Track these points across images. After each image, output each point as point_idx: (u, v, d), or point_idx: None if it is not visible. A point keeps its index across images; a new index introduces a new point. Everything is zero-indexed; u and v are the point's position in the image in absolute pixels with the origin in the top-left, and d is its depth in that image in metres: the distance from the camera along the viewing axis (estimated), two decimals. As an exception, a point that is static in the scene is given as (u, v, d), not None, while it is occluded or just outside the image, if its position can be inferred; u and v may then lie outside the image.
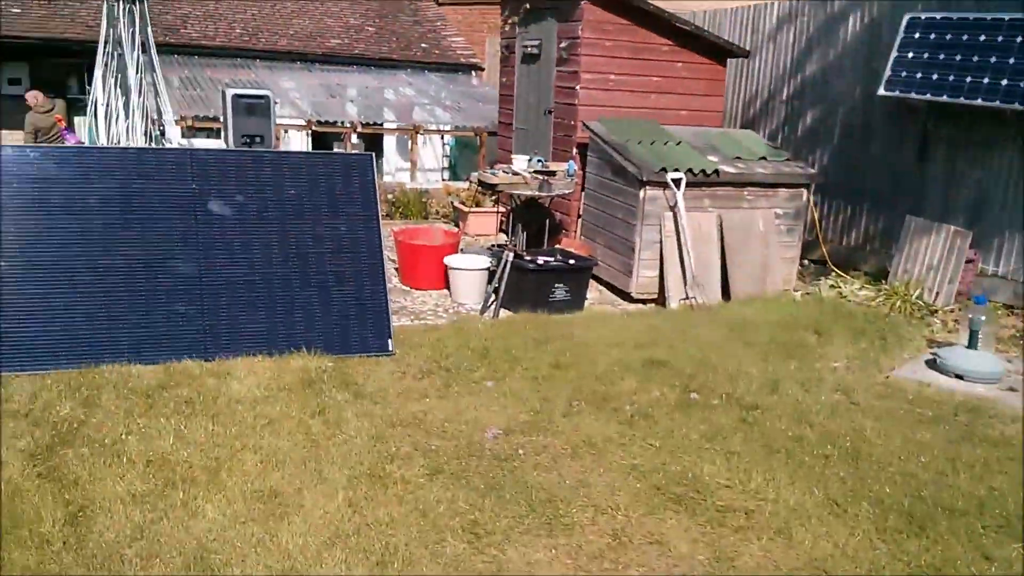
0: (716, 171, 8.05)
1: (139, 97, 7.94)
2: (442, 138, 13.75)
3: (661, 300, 8.02)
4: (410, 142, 12.48)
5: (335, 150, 12.49)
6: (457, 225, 10.80)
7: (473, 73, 15.66)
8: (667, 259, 7.92)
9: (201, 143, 11.89)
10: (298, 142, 12.99)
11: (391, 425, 4.72)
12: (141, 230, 5.41)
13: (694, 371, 5.84)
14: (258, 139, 7.23)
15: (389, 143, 15.23)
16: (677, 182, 7.81)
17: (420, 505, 3.90)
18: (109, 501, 3.63)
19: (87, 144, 9.24)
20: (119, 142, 8.14)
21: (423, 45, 15.80)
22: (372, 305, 5.88)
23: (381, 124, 12.98)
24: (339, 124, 12.20)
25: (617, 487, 4.27)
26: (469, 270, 7.63)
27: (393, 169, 14.70)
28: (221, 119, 11.23)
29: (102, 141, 8.25)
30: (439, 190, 11.73)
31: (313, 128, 11.75)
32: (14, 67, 12.82)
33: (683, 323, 7.09)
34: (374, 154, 6.05)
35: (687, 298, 7.90)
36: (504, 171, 8.13)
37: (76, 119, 11.92)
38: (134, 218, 5.41)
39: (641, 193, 7.81)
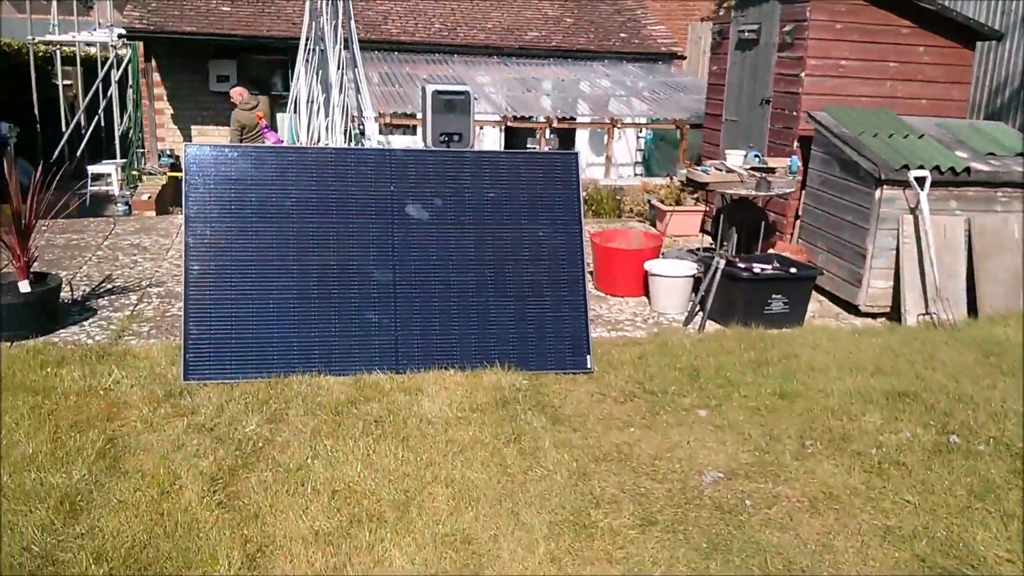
0: (967, 169, 6.91)
1: (340, 94, 7.83)
2: (639, 131, 13.07)
3: (895, 315, 6.99)
4: (605, 136, 11.90)
5: (532, 148, 12.14)
6: (654, 225, 10.12)
7: (673, 62, 14.84)
8: (904, 268, 6.89)
9: (398, 140, 11.88)
10: (492, 139, 12.73)
11: (594, 459, 4.17)
12: (336, 234, 5.16)
13: (949, 407, 4.90)
14: (457, 137, 6.90)
15: (581, 137, 14.71)
16: (921, 181, 6.76)
17: (633, 565, 3.33)
18: (290, 540, 3.31)
19: (287, 142, 9.31)
20: (318, 139, 8.09)
21: (622, 35, 15.15)
22: (570, 318, 5.36)
23: (574, 118, 12.49)
24: (533, 119, 11.81)
25: (870, 555, 3.52)
26: (672, 277, 6.96)
27: (584, 164, 14.17)
28: (419, 116, 11.16)
29: (302, 139, 8.24)
30: (634, 187, 11.08)
31: (508, 124, 11.42)
32: (223, 64, 13.34)
33: (926, 344, 6.08)
34: (579, 152, 5.54)
35: (927, 313, 6.84)
36: (717, 168, 7.38)
37: (279, 116, 12.24)
38: (329, 222, 5.17)
39: (877, 193, 6.83)
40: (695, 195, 9.82)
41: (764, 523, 3.70)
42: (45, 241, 8.10)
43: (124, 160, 13.78)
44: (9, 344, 5.51)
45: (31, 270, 5.90)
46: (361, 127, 8.06)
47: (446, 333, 5.18)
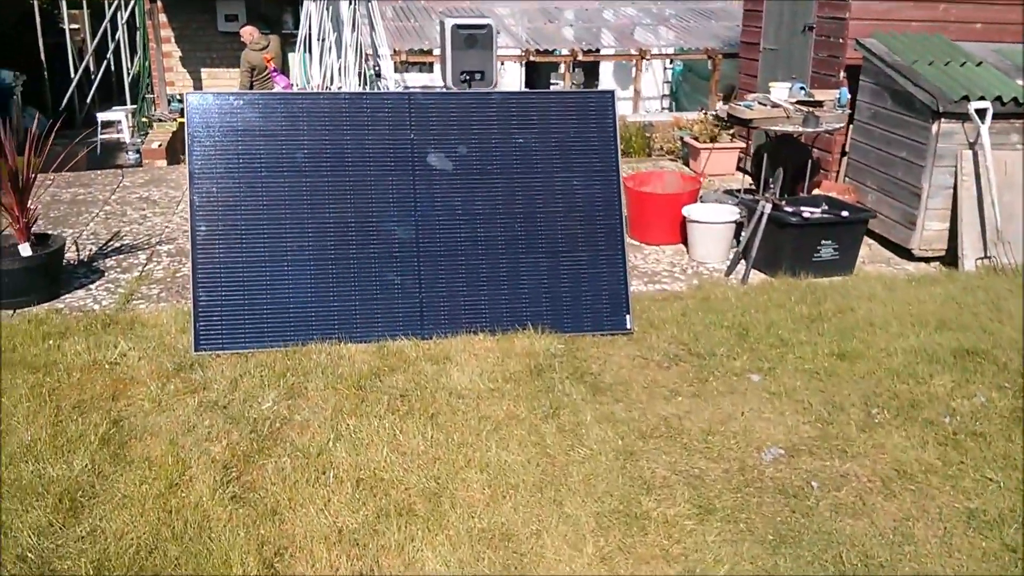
0: (1034, 98, 6.36)
1: (352, 32, 7.28)
2: (669, 62, 12.42)
3: (950, 259, 6.52)
4: (633, 69, 11.29)
5: (555, 84, 11.56)
6: (687, 163, 9.60)
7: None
8: (963, 208, 6.39)
9: (415, 79, 11.33)
10: (512, 75, 12.15)
11: (640, 435, 3.81)
12: (353, 188, 4.75)
13: (1024, 365, 4.48)
14: (479, 75, 6.41)
15: (605, 70, 14.07)
16: (982, 113, 6.22)
17: (693, 564, 2.99)
18: (312, 540, 2.98)
19: (298, 85, 8.77)
20: (331, 83, 7.59)
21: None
22: (608, 274, 4.95)
23: (599, 51, 11.85)
24: (556, 53, 11.21)
25: (954, 545, 3.15)
26: (713, 224, 6.51)
27: (610, 99, 13.57)
28: (437, 52, 10.60)
29: (314, 81, 7.76)
30: (664, 123, 10.52)
31: (531, 58, 10.82)
32: (231, 3, 12.73)
33: (989, 293, 5.63)
34: (614, 91, 5.05)
35: (986, 257, 6.37)
36: (760, 102, 6.84)
37: (290, 56, 11.69)
38: (345, 175, 4.75)
39: (934, 127, 6.30)
40: (731, 131, 9.28)
41: (834, 509, 3.33)
42: (51, 197, 7.75)
43: (134, 106, 13.35)
44: (11, 313, 5.20)
45: (32, 231, 5.55)
46: (376, 67, 7.54)
47: (474, 294, 4.80)
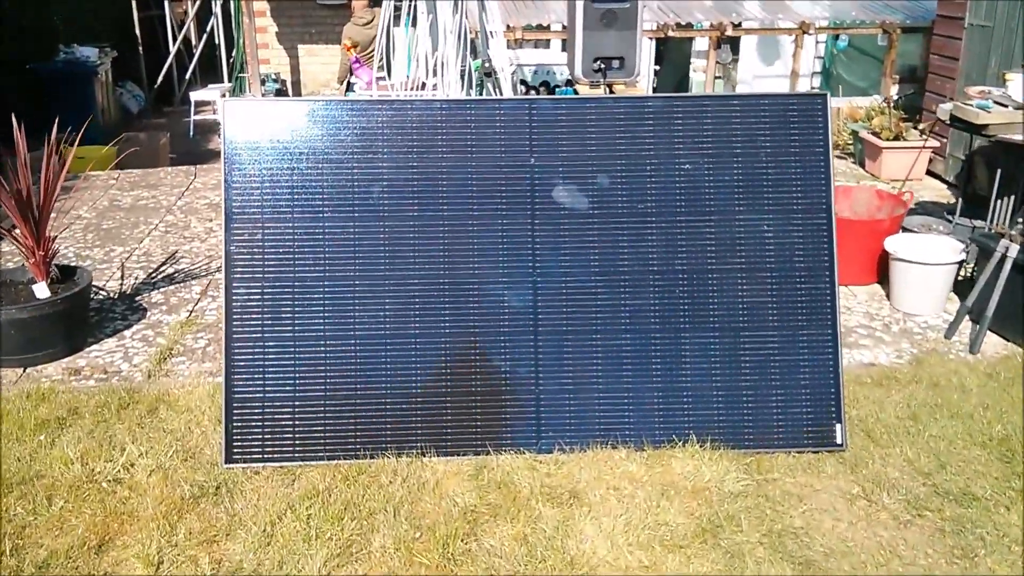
0: None
1: (455, 14, 5.71)
2: (835, 38, 10.51)
3: None
4: (794, 46, 9.47)
5: (694, 70, 9.84)
6: (862, 164, 7.83)
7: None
8: None
9: (529, 55, 9.86)
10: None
11: None
12: (448, 236, 3.37)
13: None
14: (616, 63, 4.91)
15: (747, 46, 12.22)
16: None
17: None
18: None
19: (390, 87, 7.18)
20: (421, 83, 6.06)
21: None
22: (810, 363, 3.42)
23: (739, 24, 10.07)
24: (696, 26, 9.53)
25: None
26: (929, 264, 4.84)
27: (750, 77, 11.76)
28: (556, 28, 9.10)
29: (398, 78, 6.30)
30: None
31: (668, 32, 9.15)
32: (333, -30, 11.54)
33: None
34: (827, 94, 3.48)
35: None
36: (1000, 101, 5.07)
37: (396, 35, 10.37)
38: (438, 217, 3.38)
39: None
40: (920, 127, 7.46)
41: None
42: (109, 201, 6.70)
43: (230, 84, 12.40)
44: (20, 372, 4.09)
45: (54, 262, 4.43)
46: (487, 61, 6.01)
47: (613, 388, 3.36)
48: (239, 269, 3.31)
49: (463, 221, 3.38)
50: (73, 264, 4.90)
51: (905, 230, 5.34)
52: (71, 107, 9.09)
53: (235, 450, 3.24)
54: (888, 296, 5.08)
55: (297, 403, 3.28)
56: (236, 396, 3.27)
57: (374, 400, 3.30)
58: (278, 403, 3.27)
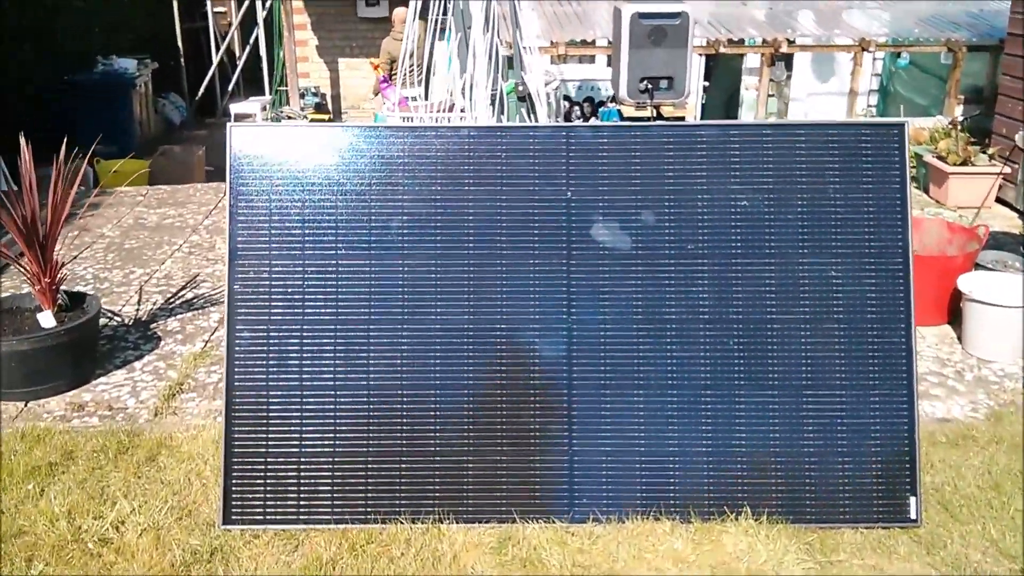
0: None
1: (487, 32, 5.26)
2: (896, 55, 10.00)
3: None
4: (852, 63, 9.00)
5: (747, 86, 9.42)
6: (925, 190, 7.35)
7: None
8: None
9: (573, 71, 9.52)
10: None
11: None
12: (474, 277, 3.04)
13: None
14: (664, 82, 4.55)
15: (801, 61, 11.74)
16: None
17: None
18: None
19: (423, 108, 6.74)
20: (447, 106, 5.65)
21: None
22: (881, 426, 3.02)
23: (794, 41, 9.62)
24: (749, 43, 9.12)
25: None
26: (1008, 308, 4.39)
27: (804, 95, 11.27)
28: (601, 43, 8.75)
29: (423, 102, 5.93)
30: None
31: (719, 49, 8.74)
32: (375, -15, 11.34)
33: None
34: (906, 123, 3.08)
35: None
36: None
37: (437, 47, 10.10)
38: (463, 255, 3.05)
39: None
40: (989, 151, 6.97)
41: None
42: (134, 219, 6.50)
43: (271, 96, 12.26)
44: (22, 406, 3.84)
45: (62, 288, 4.19)
46: (522, 85, 5.61)
47: (657, 451, 2.99)
48: (243, 310, 3.00)
49: (491, 260, 3.04)
50: (86, 290, 4.67)
51: (978, 266, 4.89)
52: (108, 119, 8.99)
53: (234, 510, 2.93)
54: (960, 339, 4.62)
55: (303, 459, 2.96)
56: (236, 451, 2.96)
57: (388, 458, 2.97)
58: (282, 459, 2.96)
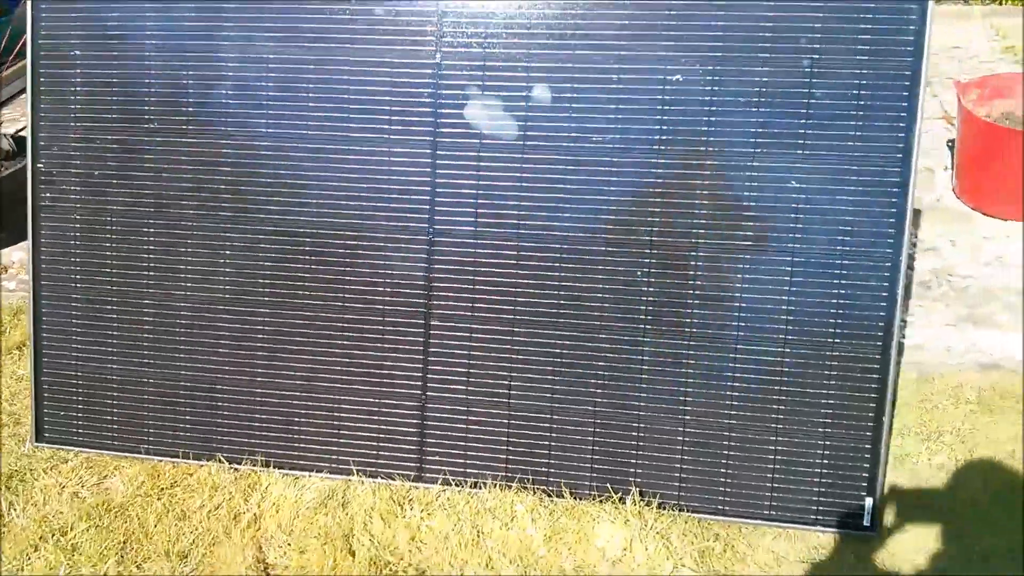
0: None
1: None
2: None
3: None
4: None
5: None
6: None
7: None
8: None
9: None
10: None
11: None
12: (305, 175, 2.35)
13: None
14: None
15: None
16: None
17: None
18: None
19: None
20: None
21: None
22: (834, 398, 2.19)
23: None
24: None
25: None
26: None
27: None
28: None
29: None
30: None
31: None
32: None
33: None
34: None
35: None
36: None
37: None
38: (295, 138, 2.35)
39: None
40: None
41: None
42: None
43: None
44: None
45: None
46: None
47: (529, 404, 2.32)
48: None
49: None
50: None
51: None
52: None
53: (46, 427, 2.56)
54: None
55: (117, 382, 2.51)
56: (46, 365, 2.55)
57: (202, 391, 2.47)
58: (95, 380, 2.52)
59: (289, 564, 2.18)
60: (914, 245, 3.49)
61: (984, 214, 3.66)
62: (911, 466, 2.42)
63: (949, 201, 3.76)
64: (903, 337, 3.02)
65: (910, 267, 3.39)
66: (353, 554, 2.16)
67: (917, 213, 3.66)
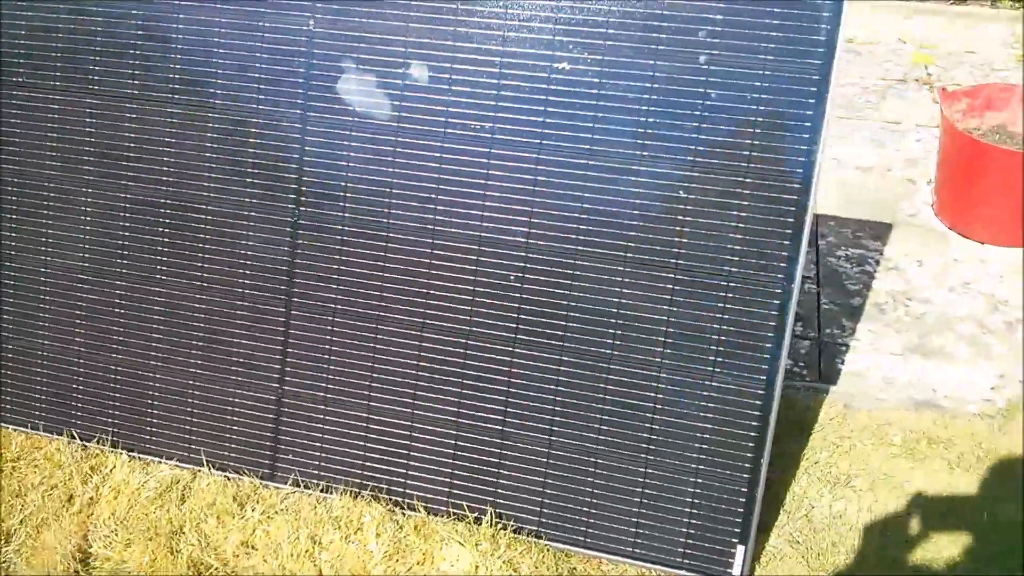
0: None
1: None
2: None
3: None
4: None
5: None
6: None
7: None
8: None
9: None
10: None
11: None
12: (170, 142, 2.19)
13: None
14: None
15: None
16: None
17: None
18: None
19: None
20: None
21: None
22: (711, 433, 1.98)
23: None
24: None
25: None
26: None
27: None
28: None
29: None
30: None
31: None
32: None
33: None
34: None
35: None
36: None
37: None
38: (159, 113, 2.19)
39: None
40: None
41: None
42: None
43: None
44: None
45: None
46: None
47: (387, 408, 2.15)
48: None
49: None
50: None
51: None
52: None
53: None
54: (1050, 272, 3.20)
55: None
56: None
57: (63, 363, 2.34)
58: None
59: (111, 556, 2.05)
60: (877, 263, 3.24)
61: (961, 235, 3.38)
62: (805, 512, 2.20)
63: (925, 217, 3.48)
64: (842, 363, 2.79)
65: (867, 287, 3.14)
66: (175, 553, 2.02)
67: (887, 227, 3.41)
